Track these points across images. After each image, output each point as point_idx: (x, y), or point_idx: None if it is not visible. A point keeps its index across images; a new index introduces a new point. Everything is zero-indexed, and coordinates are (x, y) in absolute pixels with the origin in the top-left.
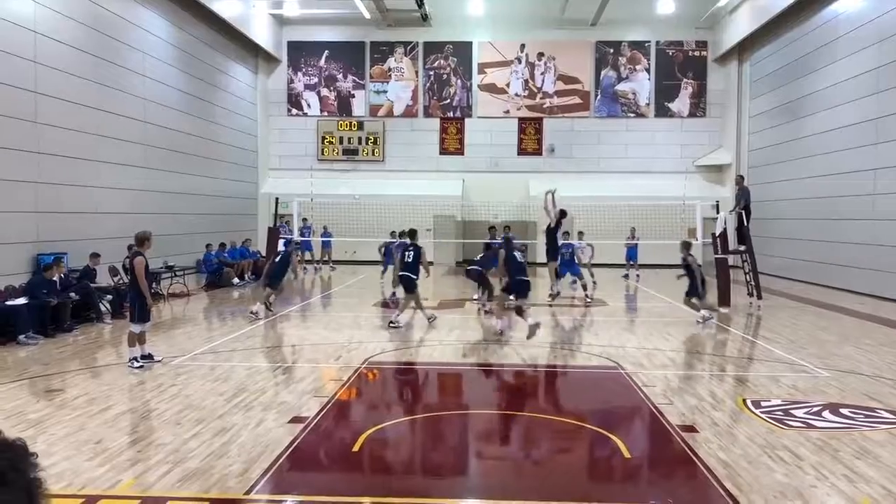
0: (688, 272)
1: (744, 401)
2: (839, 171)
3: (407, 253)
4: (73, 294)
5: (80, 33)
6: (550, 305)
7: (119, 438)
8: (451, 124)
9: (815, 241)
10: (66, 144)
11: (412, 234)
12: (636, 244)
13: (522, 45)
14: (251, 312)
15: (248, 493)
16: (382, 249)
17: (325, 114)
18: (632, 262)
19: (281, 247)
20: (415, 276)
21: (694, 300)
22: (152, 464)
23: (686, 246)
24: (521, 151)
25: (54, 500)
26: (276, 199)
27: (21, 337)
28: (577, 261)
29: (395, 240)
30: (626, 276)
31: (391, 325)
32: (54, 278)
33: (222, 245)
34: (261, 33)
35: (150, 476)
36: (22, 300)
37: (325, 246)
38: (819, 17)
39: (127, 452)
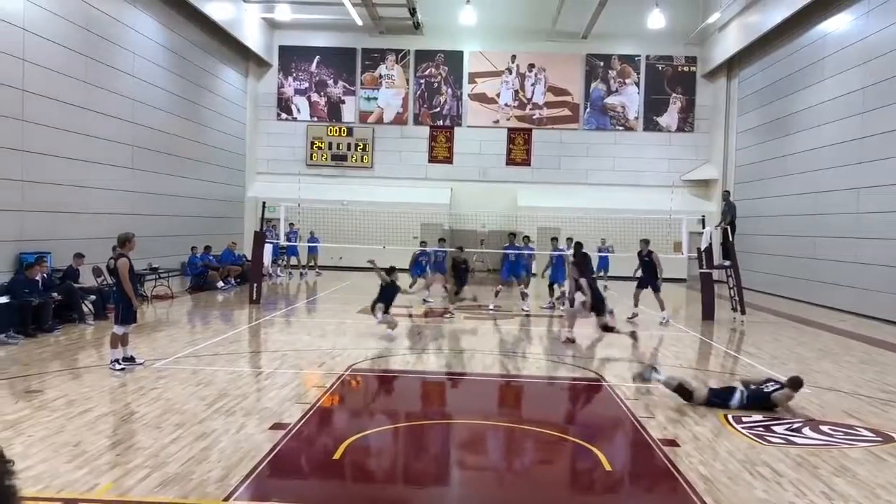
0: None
1: (725, 416)
2: (823, 188)
3: None
4: (55, 294)
5: (70, 32)
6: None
7: (98, 441)
8: (440, 133)
9: (798, 257)
10: (52, 143)
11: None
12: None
13: (513, 56)
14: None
15: (227, 499)
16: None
17: (315, 119)
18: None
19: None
20: None
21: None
22: (131, 468)
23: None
24: (510, 161)
25: (32, 502)
26: (263, 203)
27: (1, 336)
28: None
29: (427, 249)
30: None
31: None
32: (36, 278)
33: (207, 248)
34: (252, 37)
35: (129, 480)
36: (3, 299)
37: (312, 251)
38: (806, 37)
39: (106, 455)
